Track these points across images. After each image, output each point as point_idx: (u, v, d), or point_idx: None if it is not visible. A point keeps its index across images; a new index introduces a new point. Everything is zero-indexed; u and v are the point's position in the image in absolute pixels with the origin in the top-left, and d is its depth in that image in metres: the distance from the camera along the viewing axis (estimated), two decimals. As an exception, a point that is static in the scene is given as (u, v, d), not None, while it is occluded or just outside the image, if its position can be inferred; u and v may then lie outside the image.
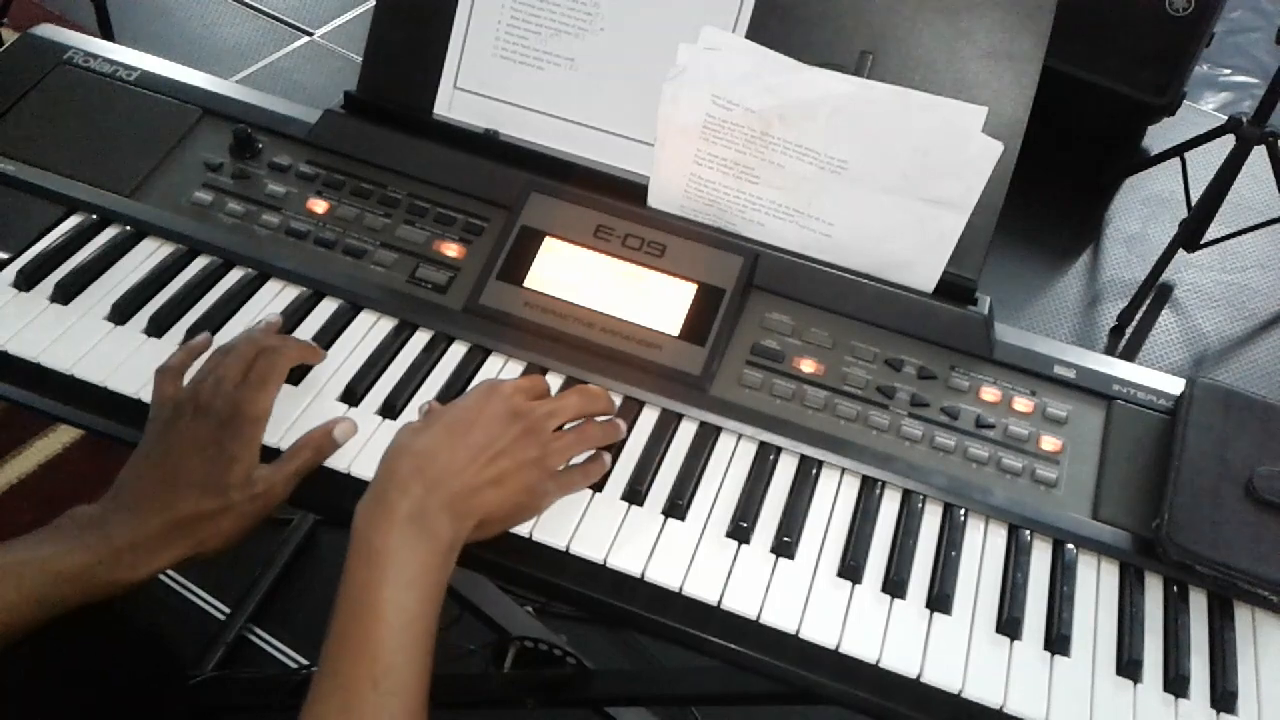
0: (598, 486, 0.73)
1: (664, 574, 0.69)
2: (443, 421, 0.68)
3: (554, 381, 0.79)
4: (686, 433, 0.77)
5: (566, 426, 0.73)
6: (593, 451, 0.74)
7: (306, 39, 2.44)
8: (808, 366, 0.80)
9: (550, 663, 1.12)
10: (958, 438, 0.77)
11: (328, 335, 0.80)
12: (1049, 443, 0.78)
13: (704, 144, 0.83)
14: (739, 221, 0.85)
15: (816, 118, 0.80)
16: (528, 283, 0.82)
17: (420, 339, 0.81)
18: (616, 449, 0.76)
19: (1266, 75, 1.81)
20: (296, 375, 0.77)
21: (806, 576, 0.71)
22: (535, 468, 0.69)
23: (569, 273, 0.82)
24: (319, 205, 0.87)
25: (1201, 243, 1.96)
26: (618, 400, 0.79)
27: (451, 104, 0.91)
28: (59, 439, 1.54)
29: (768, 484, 0.75)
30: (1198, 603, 0.73)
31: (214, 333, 0.80)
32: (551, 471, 0.70)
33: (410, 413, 0.76)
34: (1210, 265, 2.09)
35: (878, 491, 0.76)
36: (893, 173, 0.80)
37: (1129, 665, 0.68)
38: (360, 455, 0.73)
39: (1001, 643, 0.69)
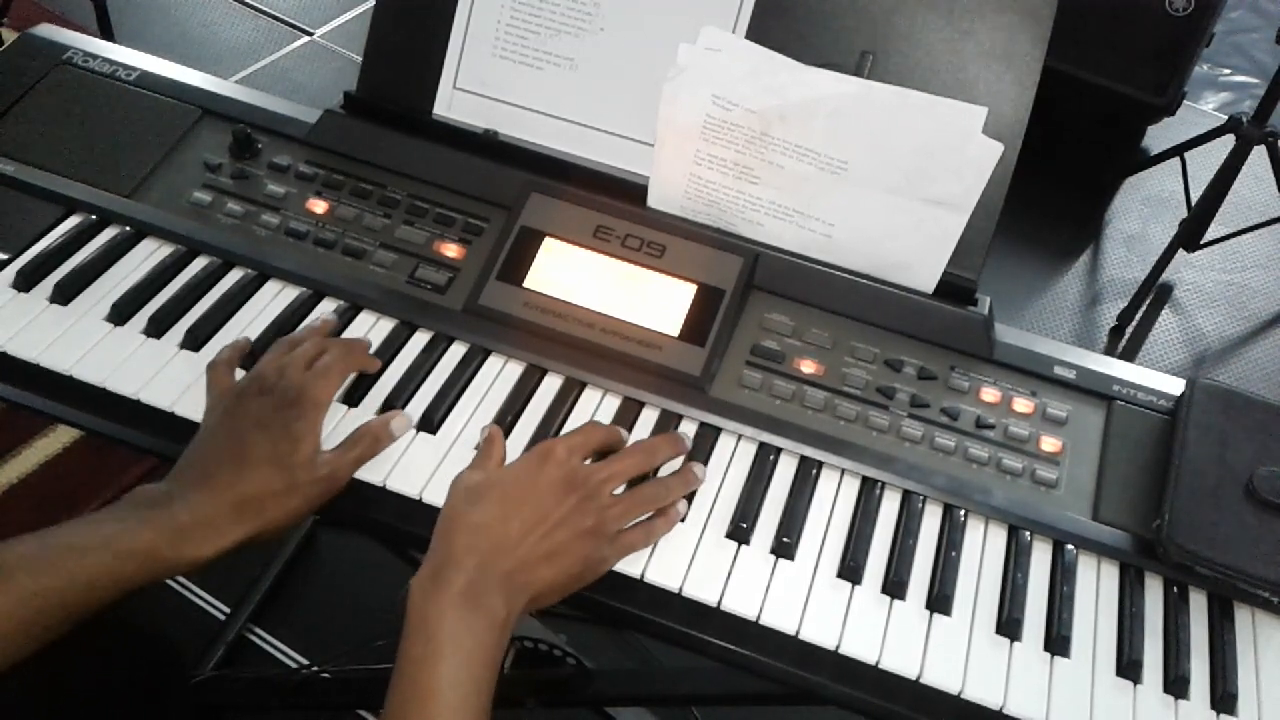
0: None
1: (663, 575, 0.69)
2: (497, 491, 0.68)
3: (553, 383, 0.79)
4: (686, 434, 0.77)
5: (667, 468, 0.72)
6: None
7: (306, 39, 2.44)
8: (807, 367, 0.80)
9: (550, 663, 1.11)
10: (958, 438, 0.77)
11: (327, 336, 0.80)
12: (1049, 443, 0.78)
13: (704, 144, 0.83)
14: (739, 222, 0.85)
15: (816, 118, 0.80)
16: (527, 283, 0.82)
17: (420, 339, 0.81)
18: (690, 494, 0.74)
19: (1266, 75, 1.81)
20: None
21: (806, 577, 0.71)
22: (591, 537, 0.67)
23: (569, 273, 0.82)
24: (318, 205, 0.87)
25: (1201, 243, 1.96)
26: (616, 402, 0.79)
27: (451, 104, 0.91)
28: (59, 439, 1.54)
29: (767, 485, 0.75)
30: (1198, 604, 0.73)
31: (214, 332, 0.80)
32: (609, 537, 0.69)
33: (410, 413, 0.76)
34: (1210, 265, 2.09)
35: (877, 492, 0.75)
36: (893, 173, 0.80)
37: (1129, 666, 0.68)
38: (360, 456, 0.73)
39: (1001, 644, 0.69)
